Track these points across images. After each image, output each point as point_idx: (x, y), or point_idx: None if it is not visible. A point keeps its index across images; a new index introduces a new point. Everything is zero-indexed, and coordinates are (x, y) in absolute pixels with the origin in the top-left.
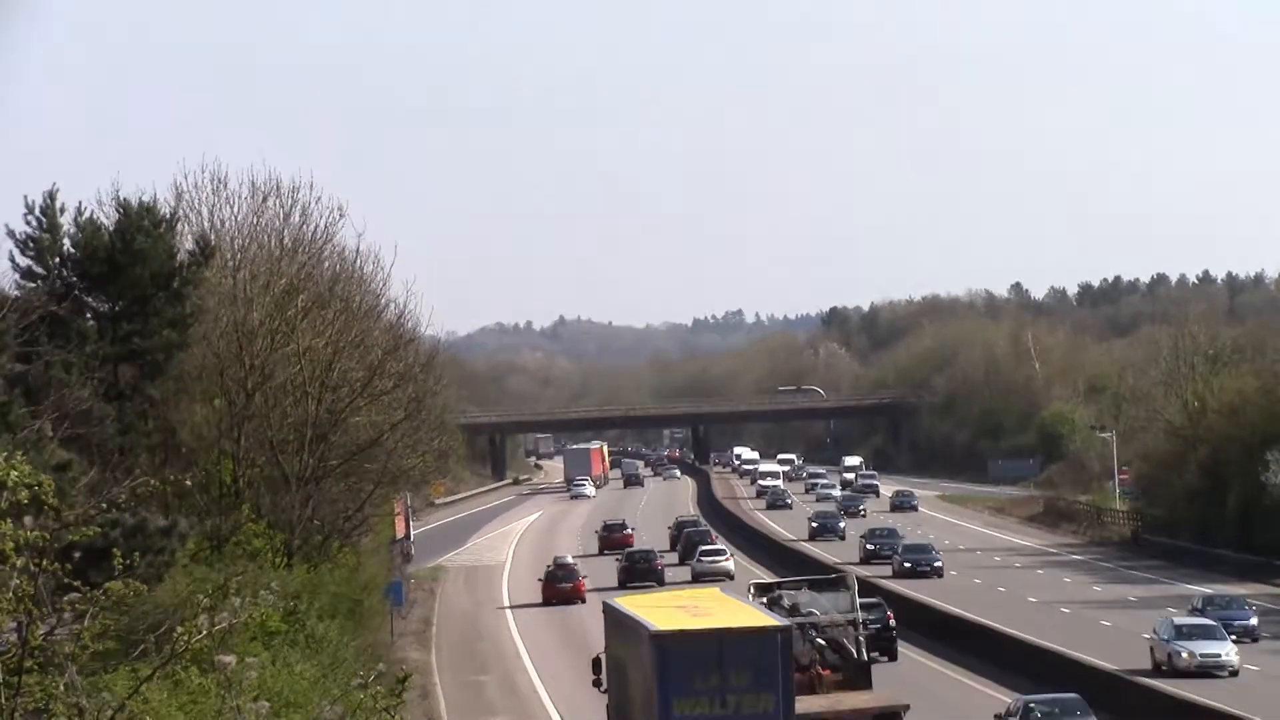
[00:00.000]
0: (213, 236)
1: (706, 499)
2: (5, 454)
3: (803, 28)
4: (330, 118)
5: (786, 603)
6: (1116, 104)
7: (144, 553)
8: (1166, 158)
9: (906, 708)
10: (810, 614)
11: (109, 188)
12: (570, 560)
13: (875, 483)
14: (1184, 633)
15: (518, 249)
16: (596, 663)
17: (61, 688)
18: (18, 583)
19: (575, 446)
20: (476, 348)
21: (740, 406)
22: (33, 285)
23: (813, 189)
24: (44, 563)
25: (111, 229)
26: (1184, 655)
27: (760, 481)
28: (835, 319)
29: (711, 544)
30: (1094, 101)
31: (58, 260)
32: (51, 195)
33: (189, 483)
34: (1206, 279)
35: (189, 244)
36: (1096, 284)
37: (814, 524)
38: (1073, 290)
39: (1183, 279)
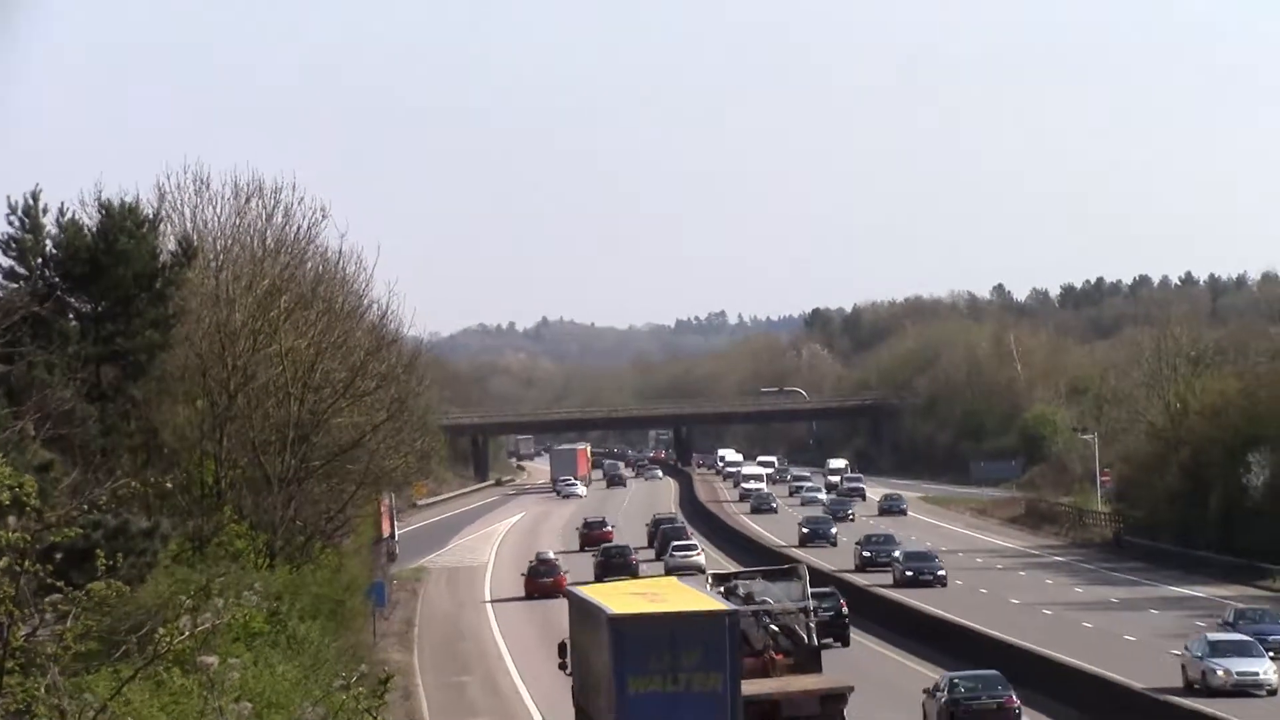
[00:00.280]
0: (195, 237)
1: (689, 500)
2: None
3: (787, 31)
4: (313, 119)
5: (742, 591)
6: (1100, 106)
7: (126, 554)
8: (1149, 160)
9: (851, 689)
10: (764, 602)
11: (91, 188)
12: (552, 556)
13: (861, 486)
14: (1219, 649)
15: (500, 250)
16: (562, 647)
17: (43, 689)
18: None
19: (561, 447)
20: (459, 349)
21: (723, 408)
22: (15, 286)
23: (795, 191)
24: (26, 564)
25: (94, 230)
26: (1219, 673)
27: (744, 485)
28: (818, 320)
29: (684, 540)
30: (1077, 104)
31: (40, 261)
32: (34, 196)
33: (170, 484)
34: (1189, 281)
35: (171, 245)
36: (1079, 285)
37: (804, 530)
38: (1055, 292)
39: (1165, 281)
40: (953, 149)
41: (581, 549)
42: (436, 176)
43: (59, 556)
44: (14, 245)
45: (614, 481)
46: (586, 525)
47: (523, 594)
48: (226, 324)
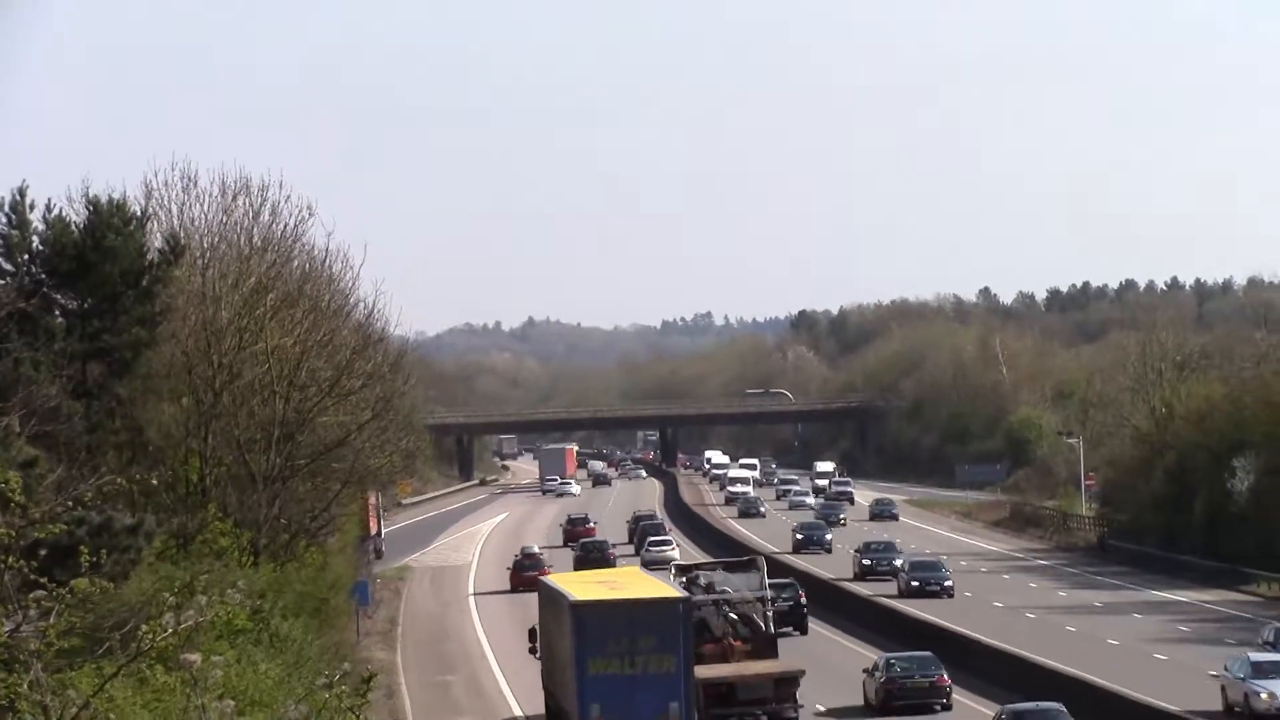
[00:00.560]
0: (182, 235)
1: (673, 502)
2: None
3: (780, 33)
4: (303, 118)
5: (703, 581)
6: (1093, 111)
7: (110, 551)
8: (1136, 164)
9: (802, 673)
10: (724, 592)
11: (79, 185)
12: (537, 550)
13: (850, 490)
14: (1262, 670)
15: (487, 250)
16: (532, 633)
17: (26, 685)
18: None
19: (550, 447)
20: (445, 348)
21: (708, 409)
22: (1, 282)
23: (783, 193)
24: (10, 560)
25: (81, 226)
26: (1263, 696)
27: (730, 488)
28: (804, 322)
29: (660, 535)
30: (1069, 109)
31: (27, 257)
32: (21, 192)
33: (155, 481)
34: (1175, 285)
35: (159, 242)
36: (1065, 289)
37: (798, 536)
38: (1041, 295)
39: (1151, 285)
40: (940, 152)
41: (565, 544)
42: (424, 176)
43: (43, 553)
44: (1, 241)
45: (599, 481)
46: (570, 522)
47: (507, 587)
48: (212, 322)
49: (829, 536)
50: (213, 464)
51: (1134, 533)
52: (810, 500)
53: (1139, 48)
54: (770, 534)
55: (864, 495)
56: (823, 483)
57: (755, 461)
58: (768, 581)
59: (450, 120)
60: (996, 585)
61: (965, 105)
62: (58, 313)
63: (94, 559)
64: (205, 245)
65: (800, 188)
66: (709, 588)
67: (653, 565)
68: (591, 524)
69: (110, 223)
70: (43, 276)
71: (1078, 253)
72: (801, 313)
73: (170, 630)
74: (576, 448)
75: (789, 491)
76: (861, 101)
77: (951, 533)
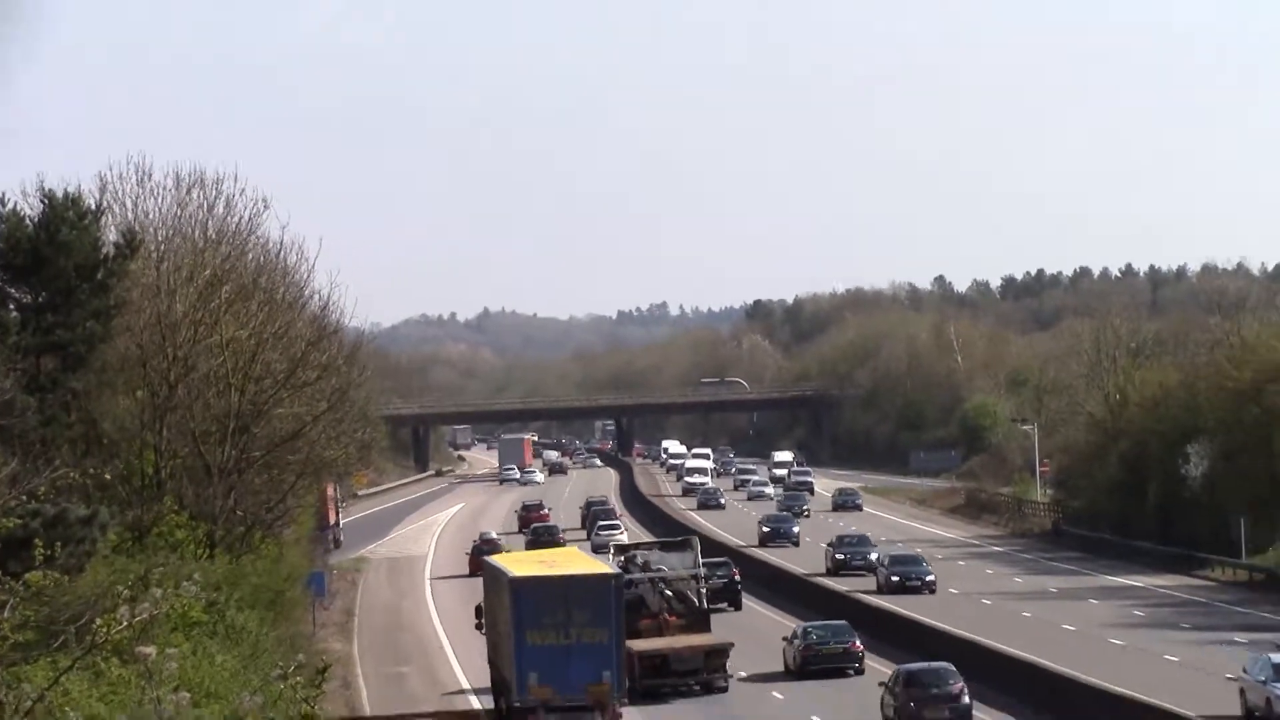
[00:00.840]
0: (137, 228)
1: (629, 491)
2: None
3: (724, 25)
4: (255, 109)
5: (640, 560)
6: (1038, 98)
7: (64, 543)
8: (1089, 152)
9: (731, 645)
10: (660, 570)
11: (34, 179)
12: (494, 535)
13: (810, 479)
14: None
15: (442, 241)
16: (479, 609)
17: None
18: None
19: (508, 437)
20: (400, 339)
21: (663, 399)
22: None
23: (735, 183)
24: None
25: (36, 220)
26: None
27: (687, 478)
28: (759, 311)
29: (610, 520)
30: (1017, 96)
31: None
32: None
33: (109, 475)
34: (1129, 272)
35: (114, 236)
36: (1019, 277)
37: (764, 529)
38: (995, 283)
39: (1105, 272)
40: (895, 142)
41: (520, 530)
42: (379, 168)
43: None
44: None
45: (555, 470)
46: (525, 508)
47: (465, 574)
48: (167, 315)
49: (796, 529)
50: (168, 457)
51: (1089, 519)
52: (770, 490)
53: (1092, 38)
54: (732, 526)
55: (821, 484)
56: (781, 472)
57: (709, 451)
58: (701, 560)
59: (405, 113)
60: (952, 572)
61: (921, 95)
62: (12, 307)
63: (48, 552)
64: (160, 238)
65: (755, 178)
66: (645, 566)
67: (601, 548)
68: (546, 510)
69: (65, 216)
70: None
71: (1032, 241)
72: (756, 302)
73: (125, 623)
74: (536, 437)
75: (748, 481)
76: (816, 92)
77: (907, 520)
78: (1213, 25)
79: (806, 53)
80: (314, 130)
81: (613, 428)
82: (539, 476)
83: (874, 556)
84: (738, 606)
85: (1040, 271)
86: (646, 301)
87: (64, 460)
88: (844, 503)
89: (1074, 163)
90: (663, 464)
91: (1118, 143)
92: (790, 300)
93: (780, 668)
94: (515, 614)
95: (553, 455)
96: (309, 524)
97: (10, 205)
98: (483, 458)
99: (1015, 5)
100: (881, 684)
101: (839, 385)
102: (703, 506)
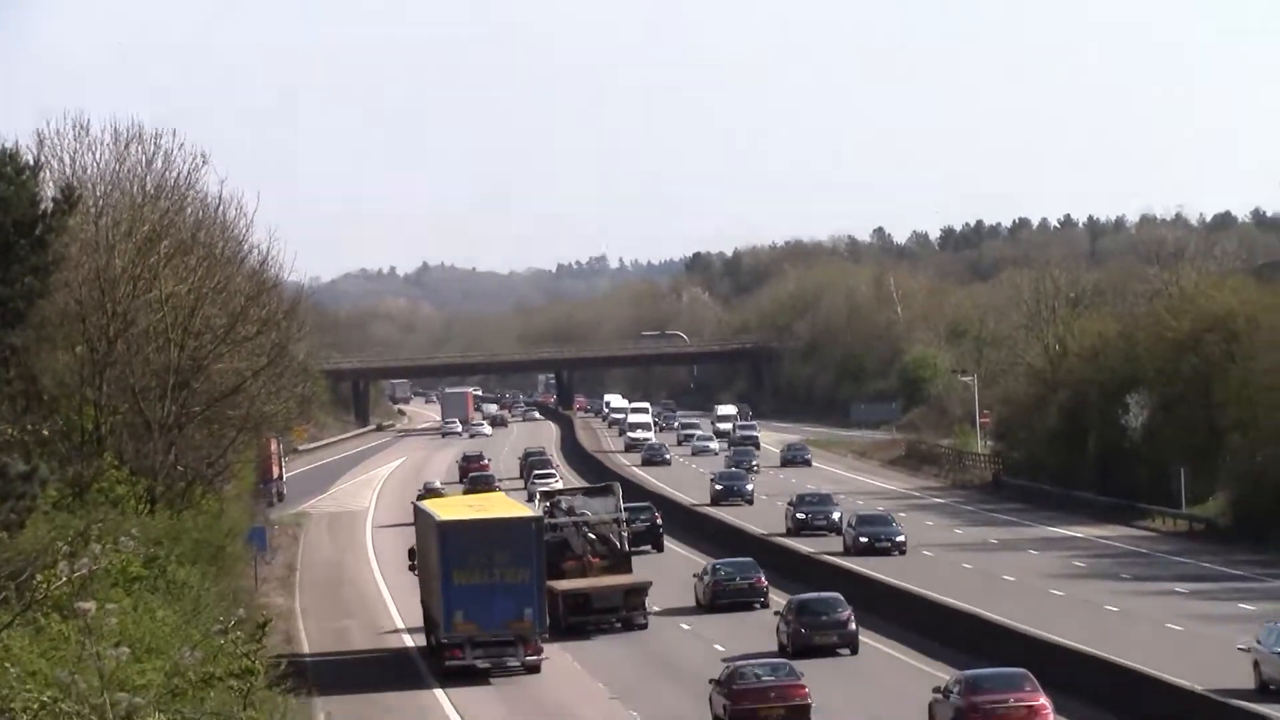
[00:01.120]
0: (75, 183)
1: (571, 446)
2: None
3: None
4: (189, 61)
5: (565, 505)
6: (978, 48)
7: (4, 499)
8: (1027, 101)
9: (649, 584)
10: (583, 515)
11: None
12: (438, 484)
13: (755, 434)
14: None
15: (381, 195)
16: (411, 552)
17: None
18: None
19: (451, 390)
20: (340, 294)
21: (604, 352)
22: None
23: (675, 133)
24: None
25: None
26: None
27: (630, 434)
28: (698, 264)
29: (545, 470)
30: (955, 45)
31: None
32: None
33: (48, 431)
34: (1068, 223)
35: (52, 191)
36: (959, 228)
37: (717, 486)
38: (935, 235)
39: (1044, 223)
40: (833, 93)
41: (460, 480)
42: (317, 122)
43: None
44: None
45: (495, 423)
46: (465, 459)
47: (408, 527)
48: (106, 270)
49: (750, 487)
50: (108, 412)
51: (1029, 469)
52: (714, 445)
53: None
54: (680, 482)
55: (764, 438)
56: (725, 427)
57: (647, 406)
58: (623, 505)
59: (343, 65)
60: None
61: (858, 45)
62: None
63: None
64: (98, 193)
65: (693, 129)
66: (570, 511)
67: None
68: (486, 461)
69: (2, 172)
70: None
71: (971, 191)
72: (696, 255)
73: (65, 579)
74: (480, 391)
75: (692, 436)
76: (756, 42)
77: (849, 472)
78: None
79: (750, 2)
80: (253, 85)
81: (555, 381)
82: (486, 429)
83: (837, 516)
84: (660, 548)
85: (979, 222)
86: (586, 255)
87: (3, 416)
88: (793, 458)
89: (1012, 111)
90: (604, 418)
91: (1055, 89)
92: (729, 253)
93: (692, 603)
94: (442, 555)
95: (491, 409)
96: (250, 479)
97: None
98: (422, 412)
99: None
100: (776, 613)
101: (779, 337)
102: (647, 463)
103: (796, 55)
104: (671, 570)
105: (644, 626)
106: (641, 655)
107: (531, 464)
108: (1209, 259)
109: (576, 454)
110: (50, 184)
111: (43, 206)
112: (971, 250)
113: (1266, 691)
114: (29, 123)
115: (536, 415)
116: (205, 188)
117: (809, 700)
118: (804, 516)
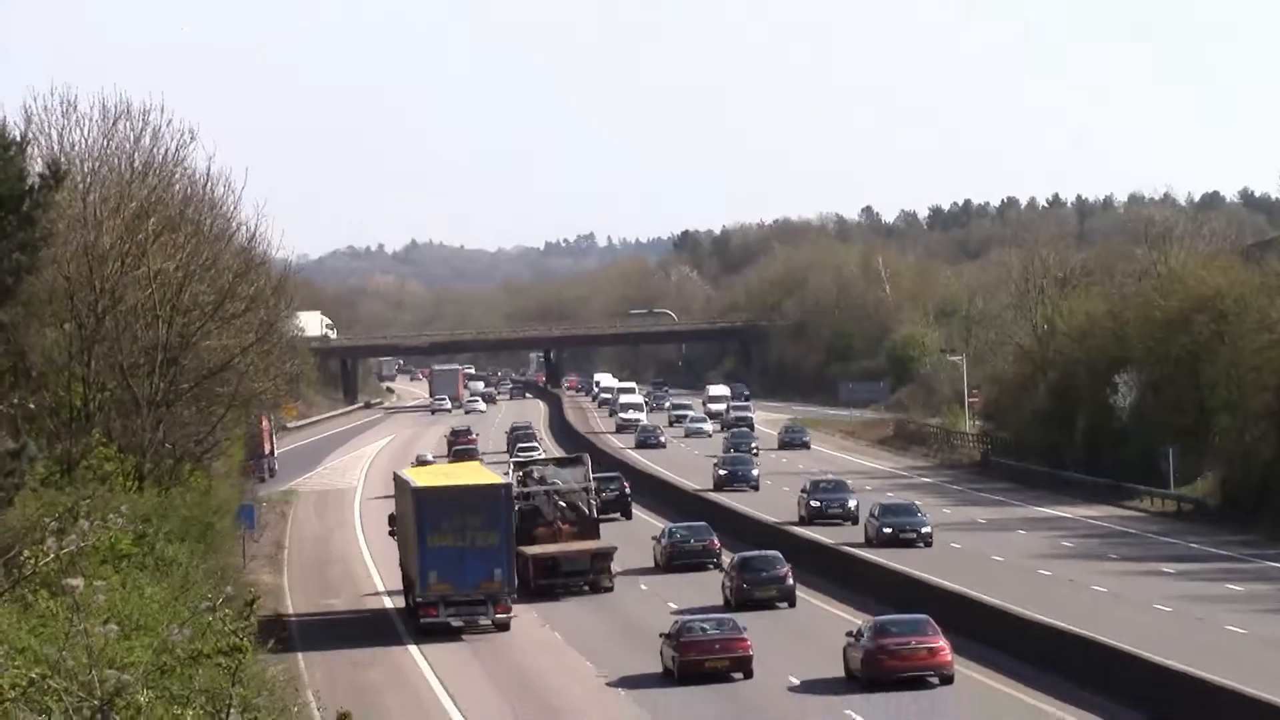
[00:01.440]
0: (63, 159)
1: (560, 427)
2: None
3: None
4: (181, 41)
5: (537, 475)
6: (967, 25)
7: None
8: (1015, 80)
9: (614, 549)
10: (554, 483)
11: None
12: (430, 457)
13: (750, 415)
14: None
15: (369, 172)
16: (391, 518)
17: None
18: None
19: (441, 368)
20: (328, 271)
21: (592, 330)
22: None
23: (664, 113)
24: None
25: None
26: None
27: (622, 414)
28: (687, 242)
29: (529, 442)
30: (943, 23)
31: None
32: None
33: (33, 406)
34: (1056, 202)
35: (39, 167)
36: (947, 207)
37: (721, 471)
38: (923, 214)
39: (1032, 202)
40: (821, 72)
41: (449, 453)
42: (305, 99)
43: None
44: None
45: (487, 399)
46: (453, 434)
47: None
48: (94, 246)
49: (755, 472)
50: (96, 389)
51: (1017, 449)
52: (708, 427)
53: None
54: (678, 466)
55: (756, 417)
56: (717, 407)
57: (634, 385)
58: (593, 475)
59: (331, 43)
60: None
61: (846, 23)
62: None
63: None
64: (86, 170)
65: (682, 107)
66: (542, 480)
67: None
68: (473, 435)
69: None
70: None
71: (959, 171)
72: (684, 233)
73: (53, 555)
74: (473, 369)
75: (684, 417)
76: (744, 21)
77: (837, 451)
78: None
79: None
80: (240, 62)
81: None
82: (481, 405)
83: (852, 503)
84: (628, 516)
85: (967, 202)
86: (574, 233)
87: None
88: (791, 440)
89: (1001, 91)
90: (594, 397)
91: (1045, 69)
92: (718, 231)
93: (651, 564)
94: (418, 520)
95: (479, 386)
96: (238, 456)
97: None
98: (409, 389)
99: None
100: (721, 569)
101: (767, 316)
102: (641, 445)
103: (786, 34)
104: (637, 536)
105: (610, 589)
106: (602, 613)
107: (516, 436)
108: (1197, 239)
109: (567, 436)
110: (38, 160)
111: (29, 182)
112: (960, 229)
113: None
114: (16, 98)
115: (525, 394)
116: (193, 164)
117: (750, 652)
118: (818, 504)
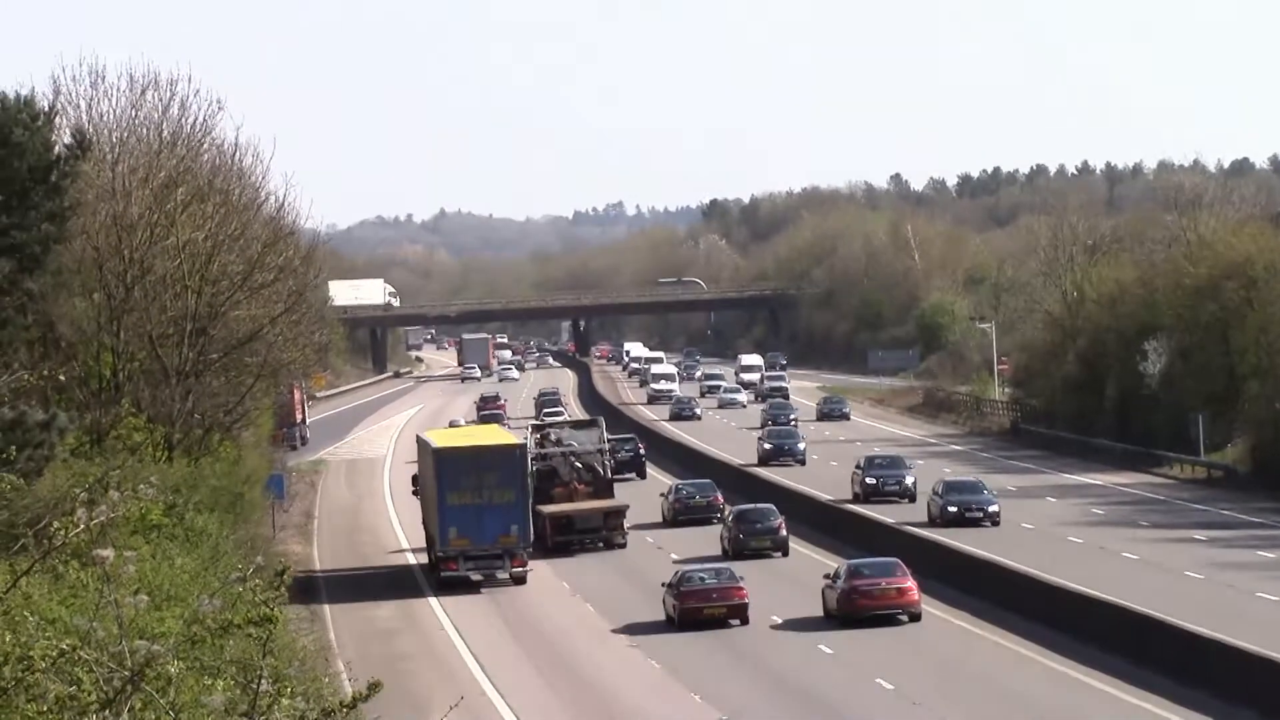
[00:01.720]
0: (91, 130)
1: (589, 397)
2: None
3: None
4: (210, 9)
5: (553, 437)
6: None
7: (22, 447)
8: (1045, 48)
9: (626, 507)
10: (570, 445)
11: None
12: (463, 421)
13: (785, 385)
14: None
15: (398, 141)
16: (414, 478)
17: None
18: None
19: (470, 337)
20: (356, 241)
21: (621, 299)
22: None
23: (693, 81)
24: None
25: None
26: None
27: (654, 385)
28: (715, 211)
29: (554, 407)
30: None
31: None
32: None
33: (64, 377)
34: (1085, 170)
35: (66, 138)
36: (976, 175)
37: (766, 445)
38: (952, 181)
39: (1062, 170)
40: (851, 39)
41: (477, 418)
42: (335, 69)
43: None
44: None
45: (517, 368)
46: (482, 400)
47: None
48: (123, 217)
49: (802, 446)
50: (125, 359)
51: (1047, 417)
52: (742, 398)
53: None
54: (716, 439)
55: (803, 387)
56: (751, 377)
57: (662, 355)
58: (607, 437)
59: (361, 13)
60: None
61: None
62: None
63: (6, 455)
64: (114, 140)
65: (711, 75)
66: (558, 442)
67: None
68: (502, 401)
69: (18, 119)
70: None
71: (988, 138)
72: (713, 201)
73: (83, 526)
74: (506, 338)
75: (717, 388)
76: None
77: (866, 419)
78: None
79: None
80: (269, 31)
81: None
82: (514, 373)
83: (909, 480)
84: (642, 475)
85: (997, 169)
86: (603, 201)
87: (21, 364)
88: (830, 411)
89: (1031, 59)
90: (624, 367)
91: (1074, 37)
92: (747, 200)
93: (659, 519)
94: (438, 479)
95: (506, 354)
96: (268, 426)
97: None
98: (436, 358)
99: None
100: (721, 521)
101: (796, 285)
102: (675, 417)
103: (812, 2)
104: (650, 495)
105: (623, 546)
106: (610, 564)
107: (542, 401)
108: (1227, 205)
109: (596, 404)
110: (66, 130)
111: (57, 152)
112: (989, 197)
113: None
114: (44, 70)
115: (552, 362)
116: (222, 134)
117: (746, 600)
118: (874, 481)
